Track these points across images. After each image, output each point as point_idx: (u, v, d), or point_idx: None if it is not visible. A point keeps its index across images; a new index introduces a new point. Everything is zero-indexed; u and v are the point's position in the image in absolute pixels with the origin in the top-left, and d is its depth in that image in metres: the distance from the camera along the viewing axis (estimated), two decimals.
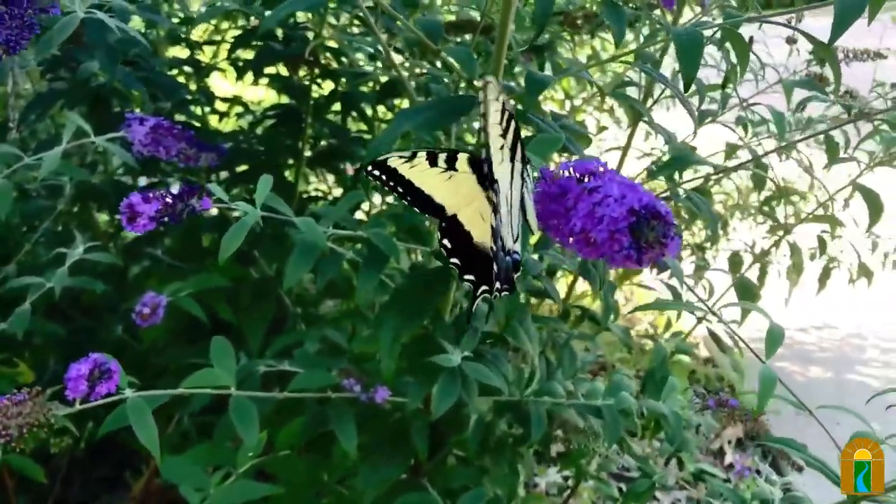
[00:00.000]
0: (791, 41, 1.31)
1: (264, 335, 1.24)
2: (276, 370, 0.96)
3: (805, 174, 1.30)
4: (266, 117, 1.51)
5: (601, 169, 0.57)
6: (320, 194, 1.66)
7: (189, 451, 1.00)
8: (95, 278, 1.16)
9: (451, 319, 0.94)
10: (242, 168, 1.43)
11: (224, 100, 1.59)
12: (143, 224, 0.64)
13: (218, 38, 1.60)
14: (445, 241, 0.63)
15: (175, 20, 1.49)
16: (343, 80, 1.43)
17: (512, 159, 0.59)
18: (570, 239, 0.56)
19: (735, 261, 1.43)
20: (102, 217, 1.49)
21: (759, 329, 0.70)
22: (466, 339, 0.87)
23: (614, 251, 0.53)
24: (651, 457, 1.14)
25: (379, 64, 1.46)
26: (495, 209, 0.59)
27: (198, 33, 1.65)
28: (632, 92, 1.17)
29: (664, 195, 1.10)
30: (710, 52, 1.23)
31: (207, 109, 1.54)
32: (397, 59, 1.18)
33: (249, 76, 1.49)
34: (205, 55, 1.57)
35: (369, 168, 0.64)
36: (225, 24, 1.62)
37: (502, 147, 0.58)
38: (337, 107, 1.48)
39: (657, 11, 0.94)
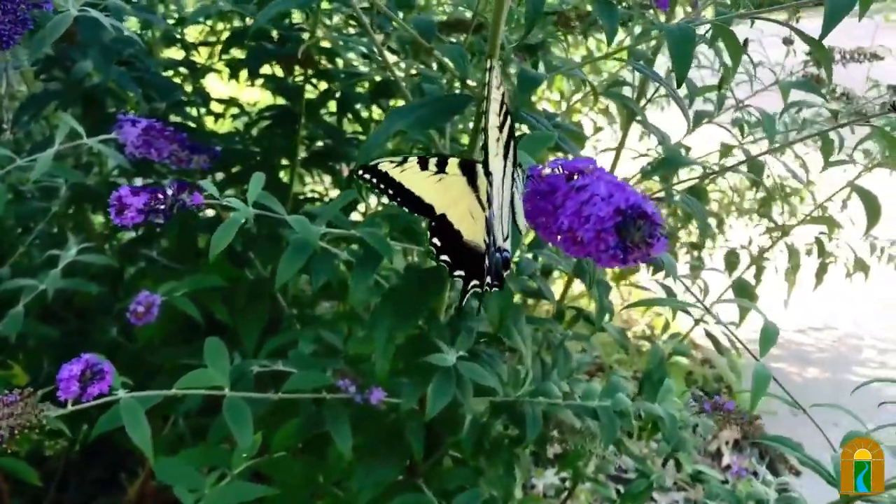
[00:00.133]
0: (788, 42, 1.30)
1: (260, 336, 1.24)
2: (271, 371, 0.96)
3: (801, 172, 1.30)
4: (261, 118, 1.50)
5: (591, 168, 0.56)
6: (316, 195, 1.66)
7: (183, 452, 1.00)
8: (90, 280, 1.16)
9: (446, 319, 0.93)
10: (237, 169, 1.43)
11: (220, 101, 1.59)
12: (131, 217, 0.64)
13: (213, 39, 1.60)
14: (435, 240, 0.64)
15: (171, 21, 1.49)
16: (337, 80, 1.43)
17: (505, 156, 0.60)
18: (558, 237, 0.56)
19: (732, 259, 1.43)
20: (98, 219, 1.49)
21: (756, 330, 0.69)
22: (461, 339, 0.87)
23: (600, 250, 0.53)
24: (648, 457, 1.13)
25: (374, 64, 1.46)
26: (489, 200, 0.59)
27: (194, 34, 1.65)
28: (626, 91, 1.17)
29: (659, 195, 1.10)
30: (707, 53, 1.23)
31: (203, 111, 1.53)
32: (391, 58, 1.19)
33: (244, 77, 1.48)
34: (200, 56, 1.56)
35: (360, 172, 0.65)
36: (220, 26, 1.62)
37: (498, 140, 0.59)
38: (332, 107, 1.48)
39: (650, 12, 0.94)
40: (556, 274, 1.42)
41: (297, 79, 1.43)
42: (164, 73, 1.45)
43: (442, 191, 0.64)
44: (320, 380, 0.91)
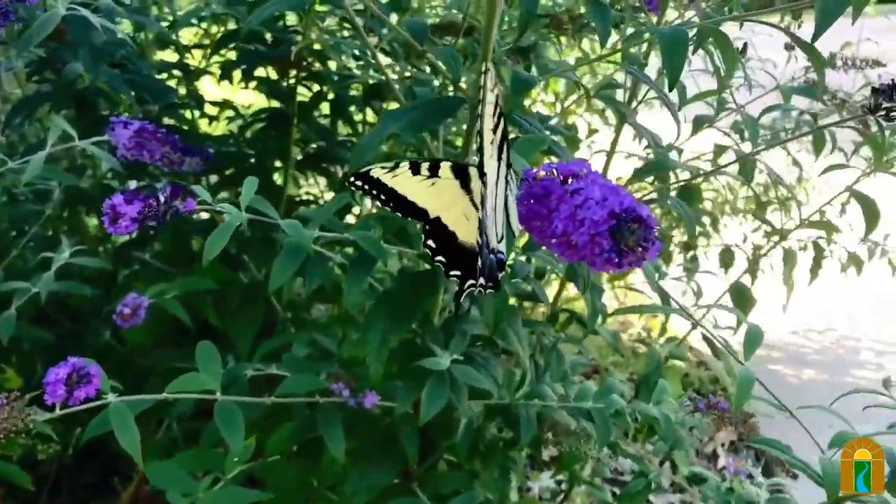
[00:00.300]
0: (789, 47, 1.30)
1: (254, 339, 1.24)
2: (265, 375, 0.95)
3: (794, 171, 1.30)
4: (255, 121, 1.50)
5: (584, 171, 0.56)
6: (311, 198, 1.66)
7: (177, 456, 0.99)
8: (83, 283, 1.16)
9: (440, 322, 0.93)
10: (231, 171, 1.43)
11: (214, 104, 1.59)
12: (125, 225, 0.63)
13: (207, 42, 1.60)
14: (430, 242, 0.64)
15: (164, 24, 1.48)
16: (330, 82, 1.43)
17: (499, 158, 0.60)
18: (553, 241, 0.56)
19: (726, 258, 1.42)
20: (92, 221, 1.48)
21: None
22: (455, 342, 0.86)
23: (595, 254, 0.53)
24: (645, 459, 1.13)
25: (367, 67, 1.45)
26: (483, 202, 0.59)
27: (188, 37, 1.64)
28: (618, 93, 1.17)
29: (651, 196, 1.10)
30: (706, 56, 1.23)
31: (197, 113, 1.53)
32: (384, 61, 1.18)
33: (237, 80, 1.48)
34: (194, 59, 1.56)
35: (352, 179, 0.65)
36: (214, 28, 1.61)
37: (492, 142, 0.59)
38: (325, 109, 1.48)
39: (641, 15, 0.94)
40: (552, 276, 1.42)
41: (290, 81, 1.42)
42: (158, 76, 1.45)
43: (435, 195, 0.64)
44: (314, 383, 0.91)
